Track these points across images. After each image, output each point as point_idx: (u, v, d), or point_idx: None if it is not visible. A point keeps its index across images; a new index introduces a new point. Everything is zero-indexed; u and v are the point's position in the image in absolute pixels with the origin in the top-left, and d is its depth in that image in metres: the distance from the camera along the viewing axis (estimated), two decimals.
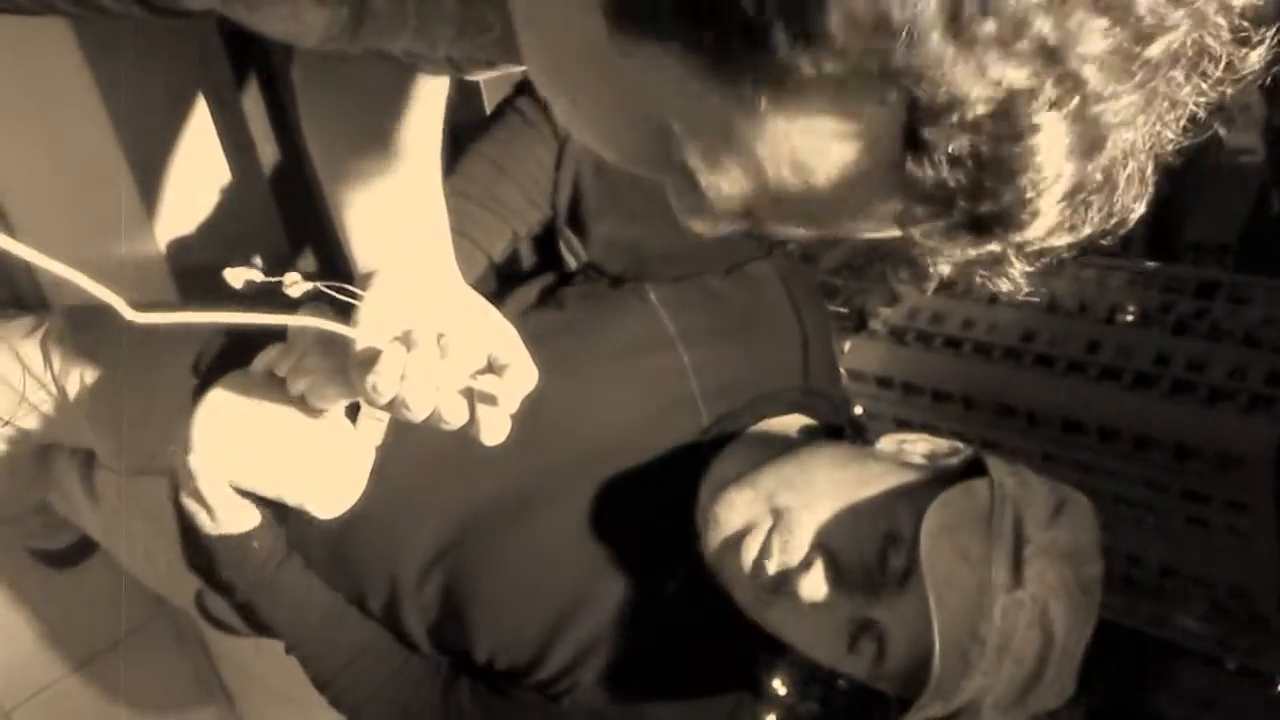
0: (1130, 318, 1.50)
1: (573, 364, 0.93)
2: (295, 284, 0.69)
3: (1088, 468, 1.45)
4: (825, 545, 0.88)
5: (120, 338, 1.12)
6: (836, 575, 0.87)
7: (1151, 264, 1.60)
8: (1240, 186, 1.71)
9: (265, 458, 0.87)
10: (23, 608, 1.73)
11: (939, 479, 0.90)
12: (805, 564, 0.87)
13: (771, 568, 0.88)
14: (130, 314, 0.51)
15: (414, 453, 0.93)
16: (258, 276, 0.65)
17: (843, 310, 1.68)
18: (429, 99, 0.83)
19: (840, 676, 0.98)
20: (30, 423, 1.20)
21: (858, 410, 1.02)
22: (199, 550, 0.95)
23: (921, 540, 0.83)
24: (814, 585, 0.86)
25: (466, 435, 0.73)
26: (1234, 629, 1.59)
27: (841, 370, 1.20)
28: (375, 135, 0.82)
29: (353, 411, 0.87)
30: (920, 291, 1.84)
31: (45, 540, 1.60)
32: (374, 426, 0.87)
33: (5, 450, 1.25)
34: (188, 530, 0.93)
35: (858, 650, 0.88)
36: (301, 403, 0.84)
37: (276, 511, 0.93)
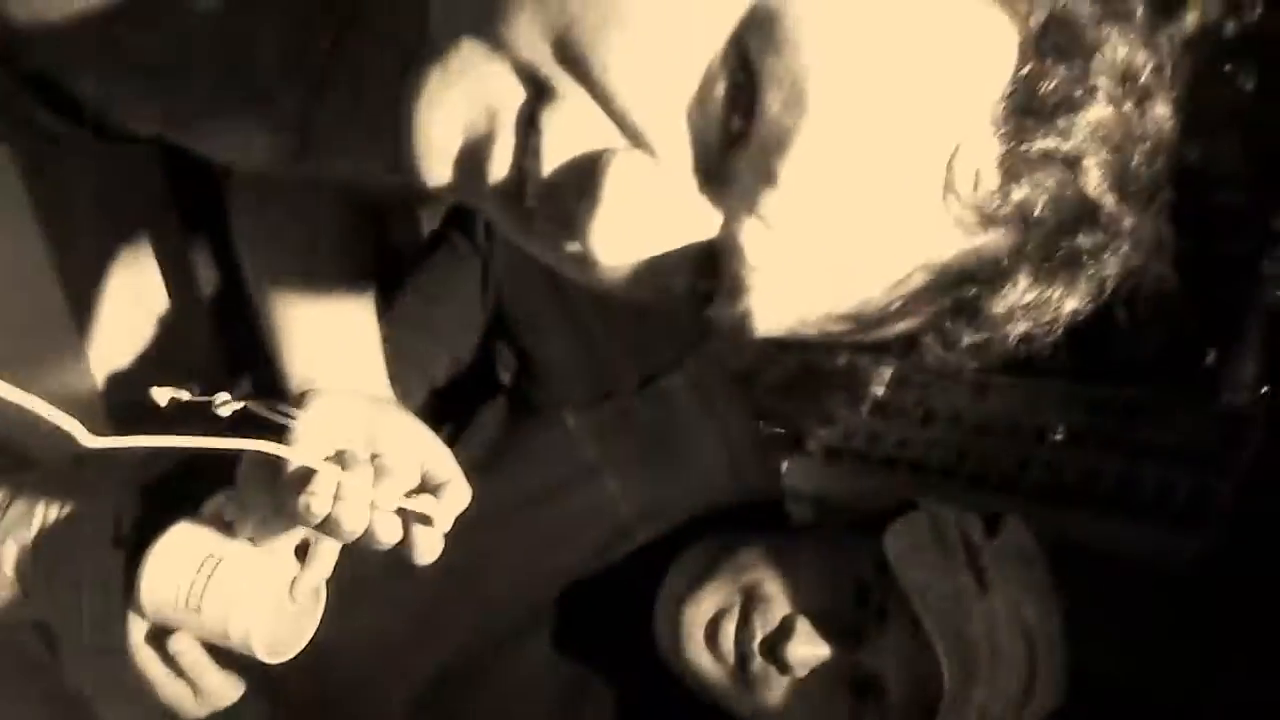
0: (1059, 436, 1.54)
1: (504, 511, 0.93)
2: (225, 404, 0.68)
3: None
4: (800, 607, 0.88)
5: (36, 513, 1.08)
6: (819, 632, 0.87)
7: (1075, 384, 1.65)
8: (1157, 310, 1.77)
9: (213, 602, 0.85)
10: None
11: (877, 524, 0.91)
12: (788, 628, 0.87)
13: (757, 640, 0.88)
14: (87, 439, 0.50)
15: (367, 621, 0.92)
16: (184, 396, 0.65)
17: (779, 430, 1.70)
18: (364, 225, 0.84)
19: None
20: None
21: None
22: None
23: (891, 563, 0.84)
24: (804, 644, 0.86)
25: (419, 593, 0.72)
26: None
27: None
28: (309, 255, 0.83)
29: (300, 554, 0.86)
30: (855, 412, 1.87)
31: None
32: (322, 563, 0.86)
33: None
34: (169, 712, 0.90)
35: (856, 709, 0.87)
36: (249, 545, 0.83)
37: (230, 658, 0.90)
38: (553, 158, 0.44)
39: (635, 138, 0.44)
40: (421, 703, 0.98)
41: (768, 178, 0.43)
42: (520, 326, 1.03)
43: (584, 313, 1.02)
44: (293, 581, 0.85)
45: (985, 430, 1.62)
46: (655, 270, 0.48)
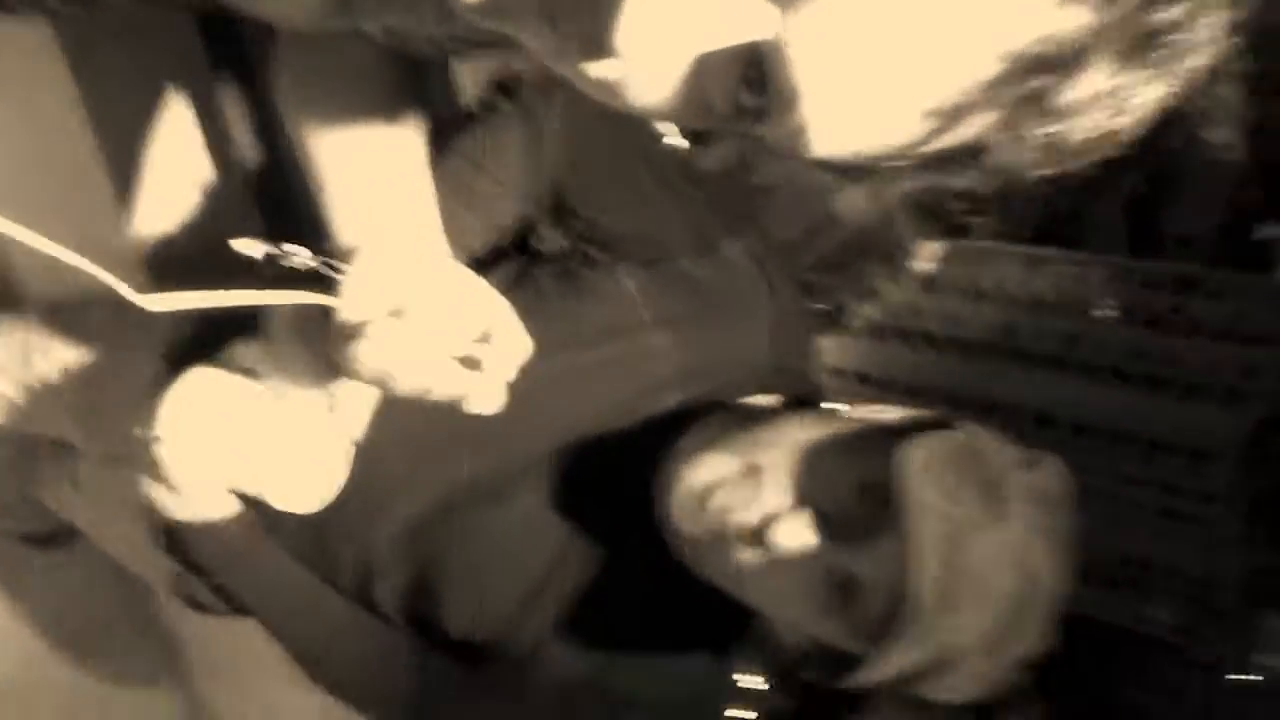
0: (1110, 313, 1.52)
1: (549, 347, 0.93)
2: (294, 256, 0.69)
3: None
4: (801, 495, 0.88)
5: (93, 328, 1.12)
6: (811, 525, 0.87)
7: (1130, 260, 1.61)
8: (1217, 181, 1.73)
9: (238, 450, 0.86)
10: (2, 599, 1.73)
11: (911, 430, 0.90)
12: (781, 514, 0.87)
13: (742, 519, 0.88)
14: (141, 300, 0.51)
15: (390, 438, 0.92)
16: (261, 249, 0.65)
17: (821, 307, 1.69)
18: (408, 81, 0.83)
19: (812, 670, 0.97)
20: (10, 414, 1.19)
21: (842, 408, 1.02)
22: (171, 534, 0.94)
23: (900, 476, 0.83)
24: (794, 532, 0.86)
25: (444, 416, 0.72)
26: (1201, 620, 1.61)
27: (819, 360, 1.20)
28: (357, 114, 0.81)
29: (329, 407, 0.87)
30: (900, 288, 1.86)
31: (32, 524, 1.60)
32: (352, 419, 0.87)
33: None
34: (157, 514, 0.93)
35: (831, 606, 0.88)
36: (272, 394, 0.84)
37: (246, 499, 0.93)
38: None
39: None
40: (406, 538, 1.00)
41: None
42: (581, 196, 1.02)
43: (644, 179, 1.01)
44: (320, 434, 0.86)
45: (1034, 306, 1.59)
46: (696, 84, 0.45)
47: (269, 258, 0.67)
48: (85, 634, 1.80)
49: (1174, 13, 0.43)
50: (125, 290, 0.50)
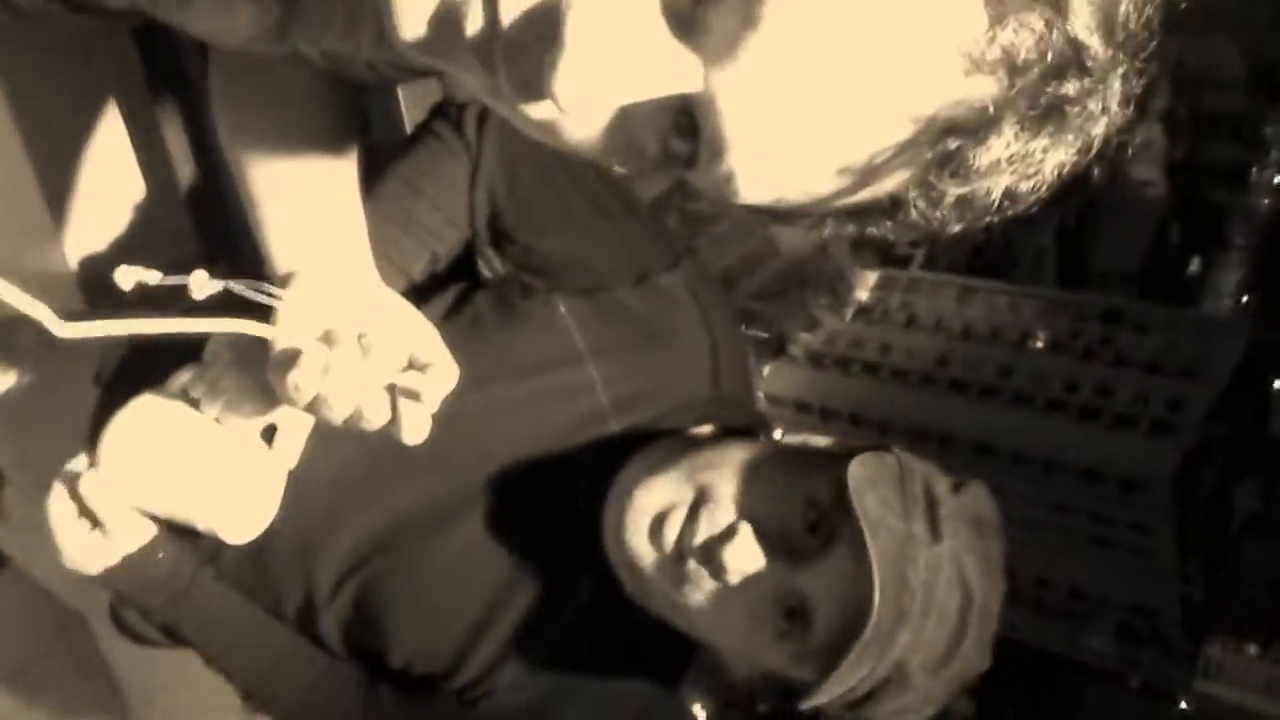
0: (1040, 344, 1.55)
1: (484, 377, 0.93)
2: (203, 285, 0.63)
3: (999, 491, 1.49)
4: (748, 515, 0.89)
5: (21, 348, 1.09)
6: (761, 544, 0.88)
7: (1061, 292, 1.65)
8: (1143, 217, 1.77)
9: (178, 480, 0.85)
10: None
11: (847, 454, 0.91)
12: (731, 532, 0.88)
13: (698, 538, 0.88)
14: (58, 327, 0.50)
15: (328, 469, 0.92)
16: (154, 276, 0.60)
17: (762, 335, 1.71)
18: (345, 106, 0.83)
19: (759, 697, 0.98)
20: None
21: (776, 434, 1.03)
22: (99, 579, 0.92)
23: (850, 487, 0.84)
24: (743, 552, 0.87)
25: (380, 447, 0.72)
26: (1139, 648, 1.64)
27: (759, 392, 1.21)
28: (292, 139, 0.81)
29: (268, 436, 0.86)
30: (839, 317, 1.88)
31: None
32: (289, 448, 0.86)
33: None
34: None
35: (781, 630, 0.89)
36: (216, 425, 0.83)
37: (184, 532, 0.91)
38: (513, 4, 0.43)
39: None
40: (347, 569, 0.99)
41: (749, 20, 0.41)
42: (517, 221, 1.02)
43: (581, 206, 1.02)
44: (258, 464, 0.85)
45: (968, 336, 1.62)
46: (630, 129, 0.47)
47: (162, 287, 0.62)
48: (23, 664, 1.76)
49: (1077, 85, 0.45)
50: (44, 314, 0.49)
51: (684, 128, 0.46)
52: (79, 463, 0.86)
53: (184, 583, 0.95)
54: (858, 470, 0.86)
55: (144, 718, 1.82)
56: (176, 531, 0.91)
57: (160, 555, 0.91)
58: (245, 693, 1.04)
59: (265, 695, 1.04)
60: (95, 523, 0.87)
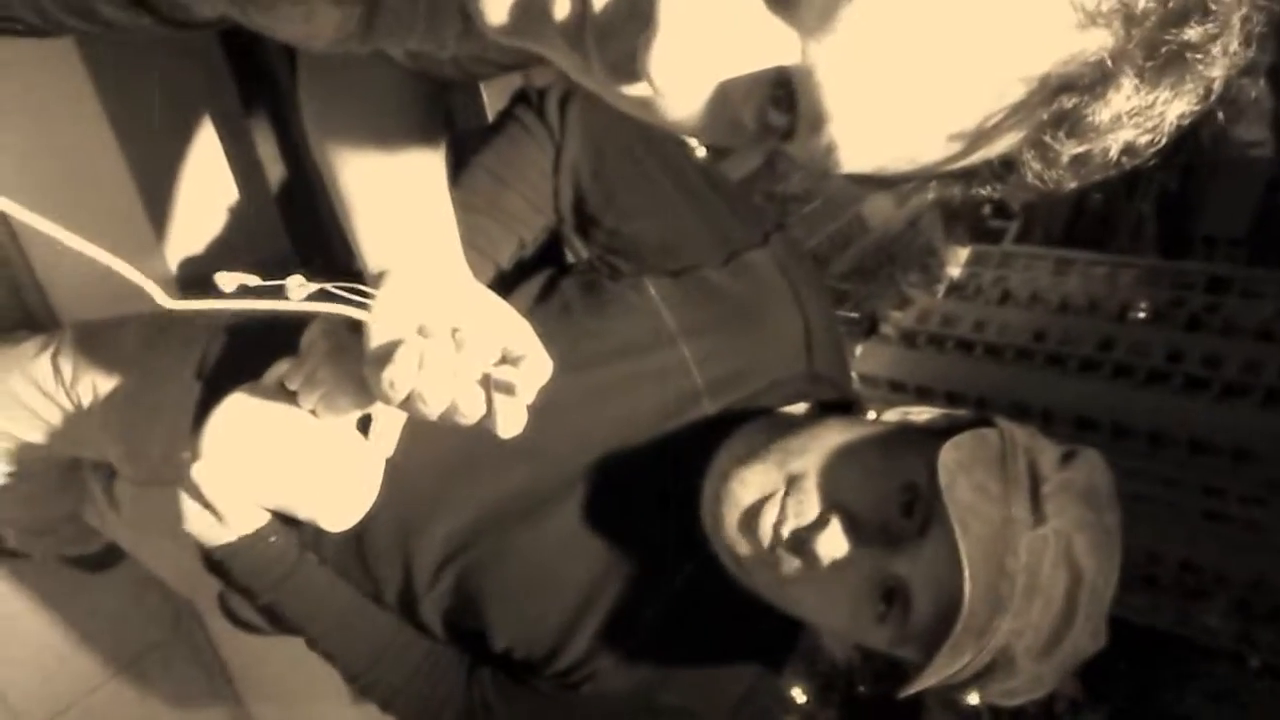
0: (1142, 315, 1.50)
1: (577, 363, 0.93)
2: (300, 286, 0.65)
3: None
4: (840, 503, 0.87)
5: (128, 348, 1.13)
6: (854, 531, 0.87)
7: (1162, 261, 1.60)
8: (1249, 180, 1.71)
9: (276, 471, 0.87)
10: (51, 623, 1.75)
11: (946, 431, 0.89)
12: (821, 522, 0.87)
13: (787, 530, 0.88)
14: (165, 301, 0.51)
15: (425, 457, 0.93)
16: (252, 280, 0.62)
17: (853, 315, 1.68)
18: (431, 102, 0.83)
19: (865, 681, 0.97)
20: (50, 437, 1.21)
21: (871, 414, 1.01)
22: (214, 554, 0.95)
23: (940, 476, 0.82)
24: (832, 542, 0.85)
25: (477, 435, 0.73)
26: (1257, 625, 1.58)
27: (852, 372, 1.19)
28: (381, 138, 0.82)
29: (364, 426, 0.87)
30: (930, 294, 1.85)
31: (79, 546, 1.62)
32: (386, 438, 0.87)
33: (32, 466, 1.27)
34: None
35: (880, 613, 0.87)
36: (313, 416, 0.84)
37: (285, 519, 0.93)
38: None
39: None
40: (445, 557, 1.00)
41: None
42: (602, 204, 1.02)
43: (667, 188, 1.01)
44: (354, 454, 0.87)
45: (1065, 309, 1.58)
46: (726, 104, 0.46)
47: (260, 289, 0.65)
48: (139, 656, 1.82)
49: (1200, 30, 0.43)
50: (152, 288, 0.51)
51: (781, 100, 0.45)
52: (188, 456, 0.88)
53: (290, 565, 0.97)
54: (950, 454, 0.83)
55: (258, 709, 1.87)
56: (279, 519, 0.93)
57: (272, 539, 0.94)
58: (349, 676, 1.06)
59: (369, 679, 1.06)
60: (212, 510, 0.90)
